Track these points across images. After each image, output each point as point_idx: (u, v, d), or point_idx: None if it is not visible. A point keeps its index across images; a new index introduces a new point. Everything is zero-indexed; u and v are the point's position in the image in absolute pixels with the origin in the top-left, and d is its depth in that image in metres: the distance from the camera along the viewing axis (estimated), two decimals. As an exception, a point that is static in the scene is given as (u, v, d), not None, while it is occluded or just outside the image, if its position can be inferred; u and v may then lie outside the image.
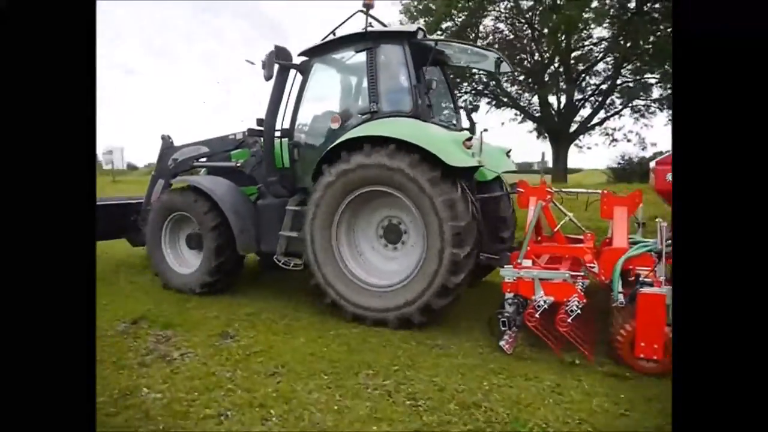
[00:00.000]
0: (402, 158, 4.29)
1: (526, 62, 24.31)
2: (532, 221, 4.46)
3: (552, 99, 23.93)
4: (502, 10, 23.51)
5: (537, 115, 24.65)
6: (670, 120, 21.49)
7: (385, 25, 5.32)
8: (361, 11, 5.12)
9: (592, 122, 23.91)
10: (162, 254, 5.61)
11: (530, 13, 23.34)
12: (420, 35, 4.92)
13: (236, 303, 5.19)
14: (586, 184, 13.52)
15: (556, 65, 23.53)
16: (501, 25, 23.98)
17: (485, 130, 5.01)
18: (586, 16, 21.03)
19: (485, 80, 24.09)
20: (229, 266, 5.36)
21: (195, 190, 5.32)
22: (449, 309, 4.57)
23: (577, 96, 23.77)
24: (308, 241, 4.75)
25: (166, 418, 2.97)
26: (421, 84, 5.01)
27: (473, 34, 24.54)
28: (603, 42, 22.46)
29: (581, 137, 24.49)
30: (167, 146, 6.27)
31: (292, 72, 5.35)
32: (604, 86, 23.32)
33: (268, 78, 5.10)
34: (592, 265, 4.34)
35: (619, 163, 23.13)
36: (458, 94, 25.21)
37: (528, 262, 4.36)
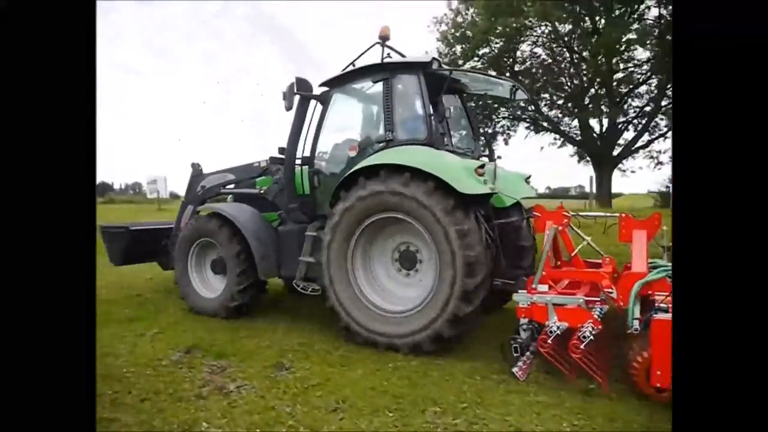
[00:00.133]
0: (417, 186, 4.40)
1: (565, 86, 24.22)
2: (546, 246, 4.47)
3: (593, 122, 23.66)
4: (539, 35, 23.60)
5: (578, 138, 24.36)
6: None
7: (403, 56, 5.52)
8: (378, 43, 5.36)
9: (636, 145, 23.41)
10: (188, 278, 5.89)
11: (569, 37, 23.36)
12: (435, 65, 5.07)
13: (288, 332, 5.23)
14: (636, 209, 13.20)
15: (596, 88, 23.31)
16: (539, 50, 24.07)
17: (499, 157, 5.10)
18: (627, 37, 20.86)
19: (523, 105, 24.13)
20: (252, 291, 5.57)
21: (219, 217, 5.60)
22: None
23: (620, 119, 23.39)
24: (324, 264, 4.89)
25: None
26: (438, 112, 5.17)
27: (510, 60, 24.73)
28: (646, 63, 22.17)
29: (624, 161, 23.97)
30: (196, 174, 6.65)
31: (312, 102, 5.62)
32: (648, 108, 22.87)
33: (288, 109, 5.37)
34: (610, 290, 4.30)
35: (666, 187, 22.44)
36: (496, 119, 25.32)
37: (544, 287, 4.36)
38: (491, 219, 5.08)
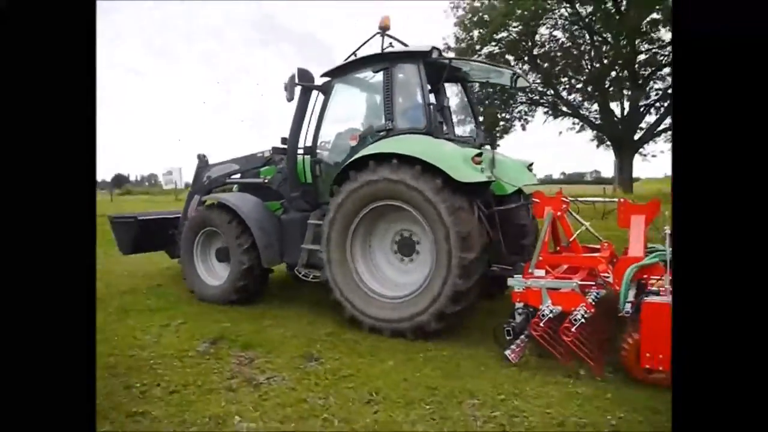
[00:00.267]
0: (405, 171, 4.52)
1: (585, 69, 23.90)
2: (542, 231, 4.55)
3: (614, 106, 23.35)
4: (558, 18, 23.29)
5: (597, 123, 24.06)
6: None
7: (405, 45, 5.61)
8: (379, 33, 5.46)
9: (659, 128, 23.04)
10: (194, 267, 6.11)
11: (589, 18, 23.00)
12: (434, 54, 5.15)
13: (314, 321, 5.24)
14: (665, 194, 12.99)
15: (618, 70, 22.96)
16: (557, 33, 23.77)
17: (498, 145, 5.16)
18: (651, 17, 20.47)
19: (541, 89, 23.93)
20: (255, 279, 5.77)
21: (223, 207, 5.79)
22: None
23: (642, 102, 23.03)
24: (324, 249, 5.06)
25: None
26: (439, 101, 5.26)
27: (530, 43, 24.48)
28: (670, 44, 21.71)
29: (645, 145, 23.62)
30: (202, 164, 6.86)
31: (314, 92, 5.75)
32: (671, 90, 22.44)
33: (290, 99, 5.52)
34: (606, 274, 4.37)
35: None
36: (514, 104, 25.14)
37: (540, 272, 4.46)
38: (491, 205, 5.18)
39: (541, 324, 3.99)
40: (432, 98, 5.25)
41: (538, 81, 24.13)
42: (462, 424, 3.13)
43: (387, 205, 4.81)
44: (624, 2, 21.39)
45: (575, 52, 23.75)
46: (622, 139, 23.02)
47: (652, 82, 23.08)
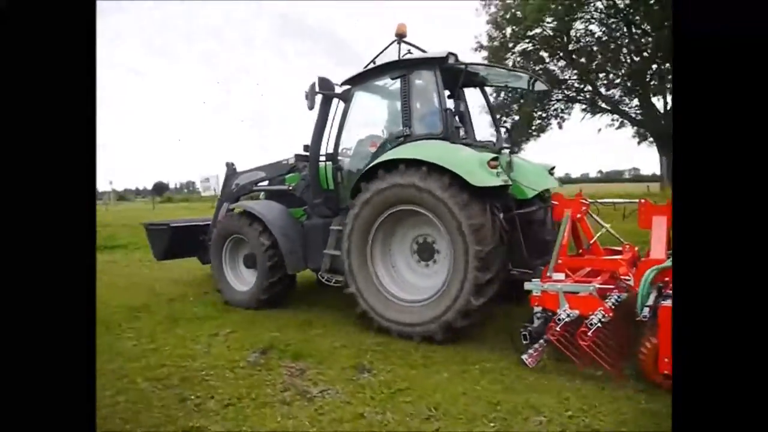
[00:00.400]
0: (431, 179, 4.62)
1: (624, 63, 23.35)
2: (559, 234, 4.56)
3: (655, 100, 22.71)
4: (593, 11, 22.84)
5: (639, 118, 23.45)
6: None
7: (423, 51, 5.72)
8: (396, 41, 5.60)
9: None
10: (223, 272, 6.37)
11: (627, 10, 22.45)
12: (451, 60, 5.23)
13: (362, 330, 5.19)
14: None
15: (659, 62, 22.32)
16: (593, 27, 23.30)
17: (515, 151, 5.19)
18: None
19: (577, 86, 23.52)
20: (281, 284, 5.98)
21: (249, 214, 6.03)
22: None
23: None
24: (345, 254, 5.21)
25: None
26: (460, 105, 5.36)
27: (565, 39, 24.10)
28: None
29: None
30: (231, 172, 7.16)
31: (335, 100, 5.92)
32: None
33: (310, 108, 5.70)
34: (627, 277, 4.36)
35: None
36: (550, 103, 24.79)
37: (560, 276, 4.48)
38: (512, 209, 5.22)
39: (558, 328, 4.01)
40: (450, 103, 5.33)
41: (575, 77, 23.71)
42: (532, 444, 2.98)
43: (405, 210, 4.93)
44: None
45: (613, 46, 23.23)
46: (666, 135, 22.35)
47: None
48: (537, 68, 24.17)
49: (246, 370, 4.20)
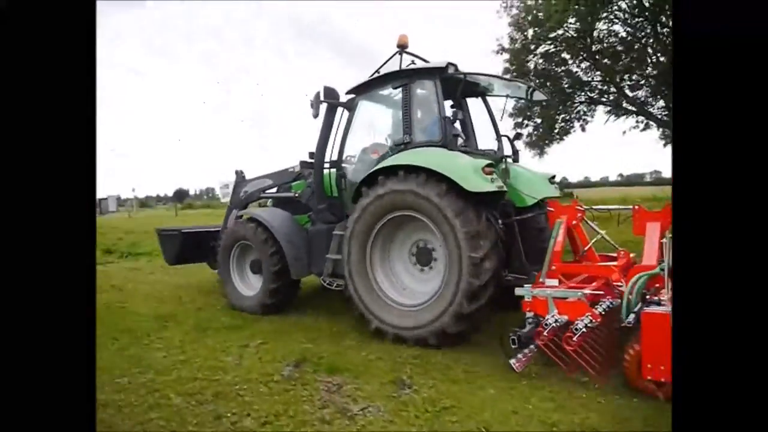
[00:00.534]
0: (426, 184, 4.81)
1: (650, 63, 23.03)
2: (551, 240, 4.68)
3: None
4: (617, 11, 22.59)
5: (665, 120, 23.06)
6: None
7: (427, 61, 5.91)
8: (398, 52, 5.81)
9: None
10: (230, 277, 6.65)
11: (653, 8, 22.14)
12: (451, 70, 5.41)
13: (396, 341, 5.09)
14: None
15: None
16: (617, 27, 23.04)
17: (510, 157, 5.33)
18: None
19: (600, 87, 23.27)
20: (286, 289, 6.24)
21: (255, 221, 6.30)
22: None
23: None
24: (345, 258, 5.42)
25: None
26: (458, 114, 5.54)
27: (588, 40, 23.89)
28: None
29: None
30: (240, 180, 7.47)
31: (339, 108, 6.16)
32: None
33: (315, 116, 5.95)
34: (619, 283, 4.46)
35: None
36: (573, 105, 24.60)
37: (553, 282, 4.61)
38: (511, 215, 5.37)
39: (545, 333, 4.13)
40: (448, 112, 5.51)
41: (598, 79, 23.49)
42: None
43: (405, 216, 5.11)
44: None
45: (638, 46, 22.93)
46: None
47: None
48: (559, 70, 24.03)
49: (281, 385, 4.10)
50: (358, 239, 5.33)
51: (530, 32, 24.40)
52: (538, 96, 6.04)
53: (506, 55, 24.90)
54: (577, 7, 21.98)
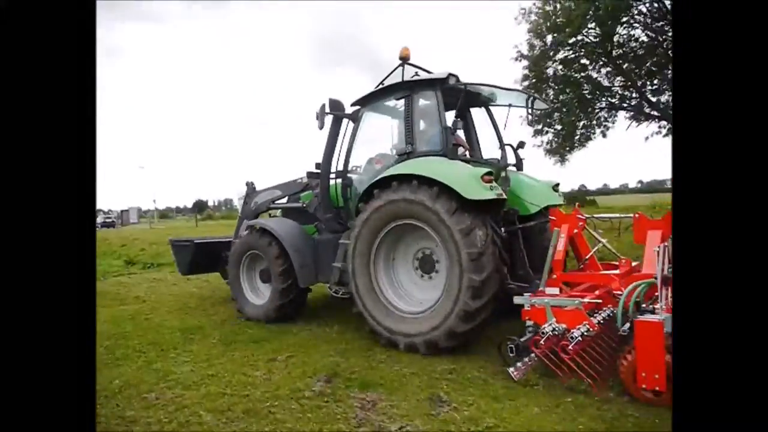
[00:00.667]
0: (424, 193, 4.95)
1: (669, 67, 22.82)
2: (550, 249, 4.76)
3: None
4: (637, 15, 22.48)
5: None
6: None
7: (430, 72, 6.07)
8: (400, 64, 5.99)
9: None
10: (240, 285, 6.85)
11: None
12: (452, 81, 5.55)
13: (428, 356, 4.96)
14: None
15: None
16: (636, 32, 22.92)
17: (514, 165, 5.43)
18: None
19: (622, 93, 23.15)
20: (294, 297, 6.40)
21: (264, 231, 6.49)
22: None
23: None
24: (349, 266, 5.56)
25: None
26: (457, 123, 5.68)
27: (607, 45, 23.80)
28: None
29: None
30: (250, 191, 7.71)
31: (344, 120, 6.34)
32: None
33: (320, 128, 6.14)
34: (619, 292, 4.51)
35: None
36: (594, 111, 24.48)
37: (554, 290, 4.68)
38: (515, 224, 5.47)
39: (542, 342, 4.20)
40: (449, 122, 5.64)
41: (618, 84, 23.37)
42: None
43: (407, 225, 5.24)
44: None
45: (660, 50, 22.74)
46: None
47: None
48: (579, 76, 23.97)
49: (313, 401, 3.99)
50: (362, 247, 5.47)
51: (549, 38, 24.41)
52: (539, 105, 6.13)
53: (525, 62, 24.98)
54: (597, 11, 21.95)
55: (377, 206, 5.30)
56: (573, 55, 24.12)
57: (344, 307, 6.25)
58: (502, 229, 5.31)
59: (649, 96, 23.59)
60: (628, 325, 4.00)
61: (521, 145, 6.20)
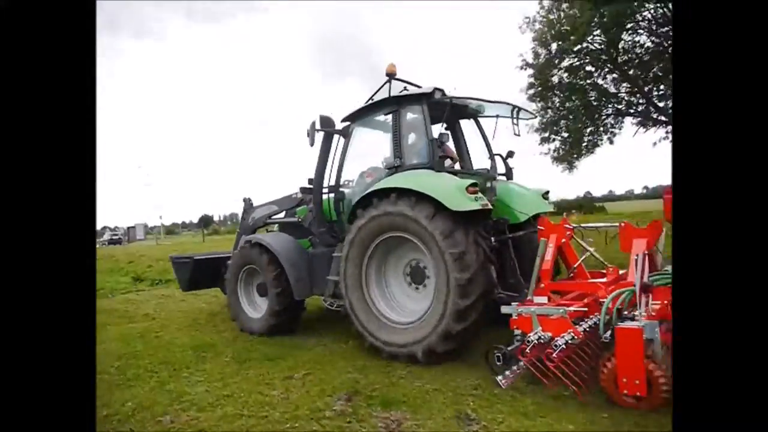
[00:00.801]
0: (403, 204, 5.12)
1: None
2: (537, 259, 4.88)
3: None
4: (642, 21, 22.61)
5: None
6: None
7: (419, 86, 6.26)
8: (388, 80, 6.19)
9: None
10: (238, 300, 7.04)
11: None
12: (437, 95, 5.72)
13: (452, 370, 4.90)
14: None
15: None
16: (642, 38, 23.04)
17: (504, 174, 5.59)
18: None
19: (627, 99, 23.23)
20: (290, 310, 6.57)
21: (259, 246, 6.68)
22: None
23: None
24: (342, 277, 5.72)
25: None
26: (458, 135, 5.86)
27: (612, 51, 23.93)
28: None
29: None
30: (248, 206, 7.93)
31: (335, 136, 6.54)
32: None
33: (311, 145, 6.33)
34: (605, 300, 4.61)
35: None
36: (600, 117, 24.56)
37: (542, 299, 4.80)
38: (505, 233, 5.61)
39: (527, 350, 4.31)
40: (436, 135, 5.81)
41: (624, 90, 23.46)
42: None
43: (397, 237, 5.39)
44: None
45: (667, 55, 22.81)
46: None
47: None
48: (584, 83, 24.10)
49: (334, 422, 3.87)
50: (353, 260, 5.62)
51: (554, 46, 24.59)
52: (525, 115, 6.29)
53: (530, 71, 25.16)
54: (602, 18, 22.10)
55: (361, 225, 5.49)
56: (578, 63, 24.27)
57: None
58: (492, 238, 5.45)
59: (655, 101, 23.65)
60: (609, 332, 4.10)
61: (510, 154, 6.35)
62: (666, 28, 22.58)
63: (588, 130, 24.93)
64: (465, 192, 5.00)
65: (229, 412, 4.13)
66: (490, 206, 5.17)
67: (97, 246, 45.10)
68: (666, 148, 24.46)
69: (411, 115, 5.86)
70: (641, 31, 22.88)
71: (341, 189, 6.47)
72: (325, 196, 6.59)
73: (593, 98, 24.35)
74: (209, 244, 26.03)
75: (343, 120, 6.47)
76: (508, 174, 6.33)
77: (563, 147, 25.63)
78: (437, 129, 5.90)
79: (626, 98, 23.22)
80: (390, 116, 5.97)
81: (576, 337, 4.22)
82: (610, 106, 24.21)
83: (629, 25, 22.97)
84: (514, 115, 6.18)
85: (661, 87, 22.49)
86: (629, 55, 23.40)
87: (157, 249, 27.00)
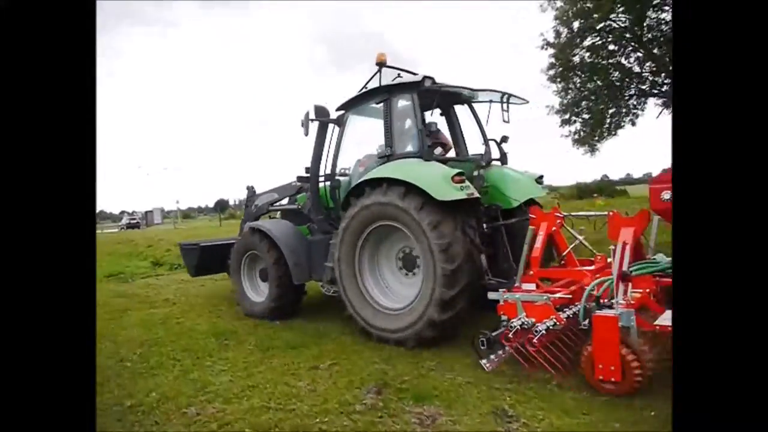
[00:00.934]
0: (393, 193, 5.29)
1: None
2: (525, 246, 5.03)
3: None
4: (667, -2, 22.08)
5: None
6: None
7: (414, 73, 6.38)
8: (378, 69, 6.34)
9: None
10: (241, 285, 7.35)
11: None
12: (427, 83, 5.83)
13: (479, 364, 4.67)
14: None
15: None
16: (667, 15, 22.50)
17: (489, 165, 5.73)
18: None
19: (651, 79, 22.81)
20: (290, 294, 6.86)
21: (260, 232, 6.95)
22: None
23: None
24: (335, 263, 5.95)
25: None
26: (453, 121, 5.97)
27: (636, 29, 23.48)
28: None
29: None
30: (251, 194, 8.20)
31: (330, 125, 6.72)
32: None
33: (306, 135, 6.53)
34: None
35: None
36: (621, 99, 24.19)
37: (530, 286, 4.96)
38: (498, 219, 5.76)
39: (510, 335, 4.48)
40: (441, 121, 5.94)
41: (647, 70, 23.04)
42: None
43: (386, 226, 5.59)
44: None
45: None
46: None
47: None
48: (607, 63, 23.72)
49: (366, 416, 3.77)
50: (346, 256, 5.85)
51: (576, 24, 24.20)
52: (515, 100, 6.38)
53: (551, 50, 24.82)
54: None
55: (353, 213, 5.68)
56: (600, 42, 23.87)
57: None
58: (485, 225, 5.59)
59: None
60: (588, 320, 4.25)
61: (504, 139, 6.44)
62: (693, 4, 22.06)
63: (610, 111, 24.59)
64: (450, 181, 5.10)
65: (256, 405, 4.05)
66: (476, 195, 5.30)
67: (116, 230, 46.25)
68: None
69: (402, 103, 5.99)
70: (667, 8, 22.38)
71: (337, 177, 6.67)
72: (322, 185, 6.80)
73: (616, 78, 23.97)
74: (226, 228, 26.35)
75: (337, 109, 6.64)
76: (503, 159, 6.44)
77: (584, 129, 25.35)
78: (431, 116, 6.02)
79: (650, 78, 22.75)
80: (381, 105, 6.12)
81: (558, 323, 4.37)
82: (633, 86, 23.80)
83: (655, 2, 22.52)
84: (504, 101, 6.27)
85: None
86: (654, 33, 22.93)
87: (175, 233, 27.36)
